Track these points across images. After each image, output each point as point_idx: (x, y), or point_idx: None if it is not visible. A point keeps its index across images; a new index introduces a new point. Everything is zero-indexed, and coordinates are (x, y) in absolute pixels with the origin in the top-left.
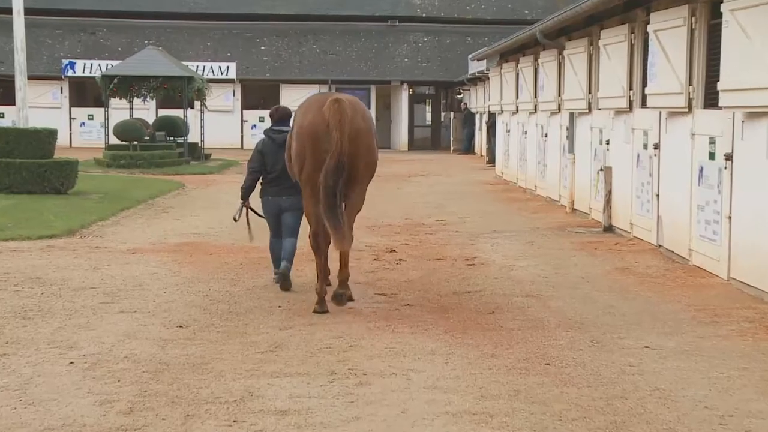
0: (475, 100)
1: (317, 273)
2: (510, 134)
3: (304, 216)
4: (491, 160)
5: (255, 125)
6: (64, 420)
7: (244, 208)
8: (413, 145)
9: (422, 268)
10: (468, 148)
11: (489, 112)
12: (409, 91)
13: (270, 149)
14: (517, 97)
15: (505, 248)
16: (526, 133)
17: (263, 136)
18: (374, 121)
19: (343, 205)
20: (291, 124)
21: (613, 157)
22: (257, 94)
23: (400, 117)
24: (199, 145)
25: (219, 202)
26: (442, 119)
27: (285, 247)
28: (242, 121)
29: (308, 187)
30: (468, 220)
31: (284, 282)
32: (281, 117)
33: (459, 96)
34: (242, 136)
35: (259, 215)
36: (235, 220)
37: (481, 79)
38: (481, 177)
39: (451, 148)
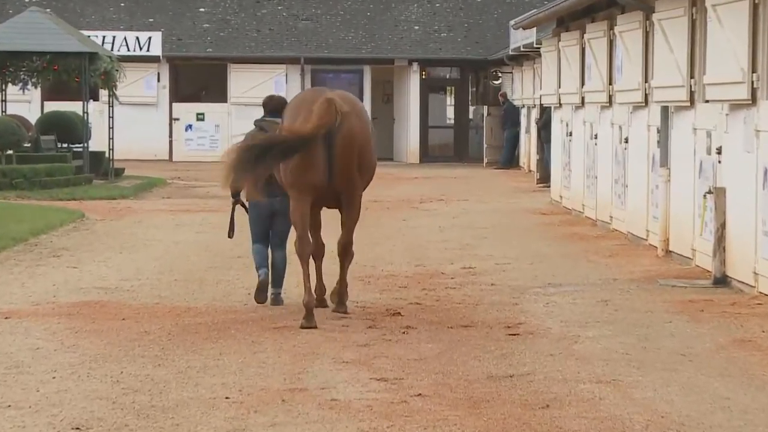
0: (520, 88)
1: (304, 282)
2: (572, 139)
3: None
4: (544, 178)
5: (191, 125)
6: None
7: (240, 205)
8: (428, 155)
9: (441, 339)
10: (509, 160)
11: (540, 105)
12: (421, 75)
13: None
14: (582, 84)
15: (565, 310)
16: (596, 136)
17: (253, 126)
18: (370, 119)
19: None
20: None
21: (728, 173)
22: (194, 78)
23: (407, 113)
24: (107, 155)
25: (137, 242)
26: (471, 117)
27: (275, 265)
28: (171, 118)
29: (295, 191)
30: (509, 267)
31: (261, 294)
32: (276, 107)
33: (496, 82)
34: (171, 142)
35: (232, 221)
36: (230, 236)
37: (528, 56)
38: (529, 203)
39: (485, 160)
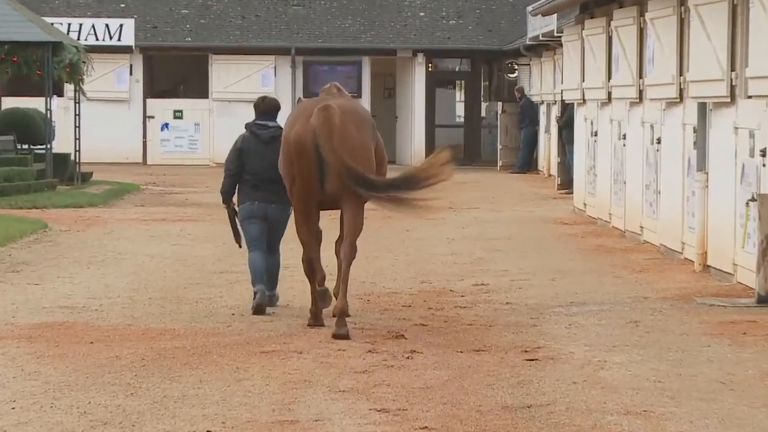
0: (539, 83)
1: (312, 298)
2: (598, 139)
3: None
4: (566, 184)
5: (167, 124)
6: None
7: (232, 212)
8: None
9: (449, 365)
10: (527, 163)
11: (562, 102)
12: (427, 67)
13: (252, 147)
14: (609, 77)
15: (590, 332)
16: (624, 137)
17: (244, 130)
18: (375, 129)
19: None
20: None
21: None
22: (171, 71)
23: (411, 110)
24: (73, 157)
25: (107, 256)
26: (484, 114)
27: (269, 269)
28: (145, 116)
29: (299, 208)
30: (527, 284)
31: (260, 308)
32: (267, 110)
33: (512, 75)
34: (145, 143)
35: (237, 230)
36: (240, 246)
37: (548, 46)
38: (549, 211)
39: (499, 163)
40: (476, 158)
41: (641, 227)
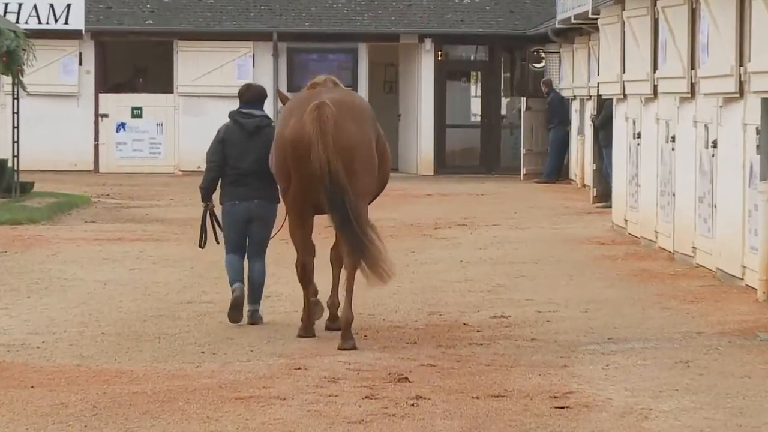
0: (570, 74)
1: (304, 305)
2: (641, 142)
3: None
4: (603, 196)
5: (124, 124)
6: None
7: (208, 212)
8: (445, 164)
9: (463, 414)
10: (556, 171)
11: (598, 97)
12: (436, 55)
13: (236, 138)
14: (654, 68)
15: (632, 375)
16: (673, 139)
17: (228, 119)
18: (376, 121)
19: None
20: (275, 124)
21: None
22: (128, 60)
23: (417, 108)
24: (10, 164)
25: (51, 283)
26: (504, 112)
27: (252, 278)
28: (97, 115)
29: (294, 209)
30: (556, 316)
31: (235, 312)
32: (253, 98)
33: (538, 66)
34: (97, 147)
35: (219, 227)
36: (201, 246)
37: (582, 31)
38: (583, 229)
39: (522, 171)
40: (495, 165)
41: (693, 248)
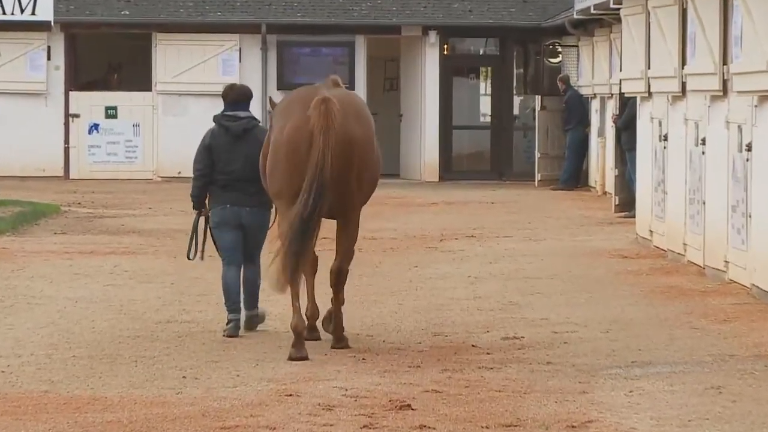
0: (590, 70)
1: (292, 303)
2: (668, 145)
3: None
4: (626, 204)
5: (97, 125)
6: None
7: (201, 220)
8: (451, 168)
9: None
10: (574, 177)
11: (620, 95)
12: (442, 50)
13: (222, 143)
14: (682, 63)
15: (658, 402)
16: (703, 142)
17: (213, 124)
18: (372, 120)
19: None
20: (267, 125)
21: None
22: (102, 55)
23: (420, 107)
24: None
25: (17, 301)
26: (517, 112)
27: (247, 283)
28: (68, 115)
29: (282, 201)
30: (574, 337)
31: (235, 331)
32: (237, 98)
33: (555, 61)
34: (68, 150)
35: (213, 240)
36: (190, 258)
37: (602, 22)
38: (605, 241)
39: (537, 177)
40: (507, 170)
41: (726, 262)
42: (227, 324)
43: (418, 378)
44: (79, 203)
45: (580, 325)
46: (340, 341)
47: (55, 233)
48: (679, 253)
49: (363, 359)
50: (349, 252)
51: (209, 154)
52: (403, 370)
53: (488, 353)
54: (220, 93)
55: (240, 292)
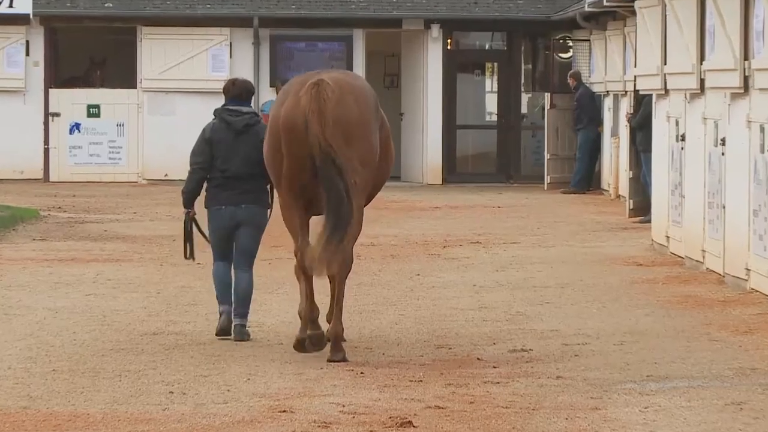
0: (602, 66)
1: (304, 296)
2: (685, 145)
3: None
4: (641, 208)
5: (78, 124)
6: None
7: (191, 220)
8: (456, 170)
9: None
10: (586, 179)
11: (635, 93)
12: (446, 44)
13: (223, 137)
14: (701, 59)
15: (675, 418)
16: (722, 142)
17: (211, 119)
18: (379, 107)
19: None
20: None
21: None
22: (84, 50)
23: (423, 105)
24: None
25: None
26: (525, 111)
27: (237, 289)
28: (48, 114)
29: (288, 195)
30: (585, 350)
31: (227, 323)
32: (240, 93)
33: (565, 56)
34: (47, 151)
35: (204, 236)
36: (186, 257)
37: (616, 15)
38: (618, 247)
39: (547, 180)
40: (515, 172)
41: (747, 270)
42: (219, 316)
43: (420, 393)
44: (59, 207)
45: (592, 337)
46: (337, 353)
47: (34, 239)
48: (697, 261)
49: (361, 373)
50: (353, 235)
51: (209, 148)
52: (404, 384)
53: (494, 367)
54: (211, 90)
55: (231, 284)
